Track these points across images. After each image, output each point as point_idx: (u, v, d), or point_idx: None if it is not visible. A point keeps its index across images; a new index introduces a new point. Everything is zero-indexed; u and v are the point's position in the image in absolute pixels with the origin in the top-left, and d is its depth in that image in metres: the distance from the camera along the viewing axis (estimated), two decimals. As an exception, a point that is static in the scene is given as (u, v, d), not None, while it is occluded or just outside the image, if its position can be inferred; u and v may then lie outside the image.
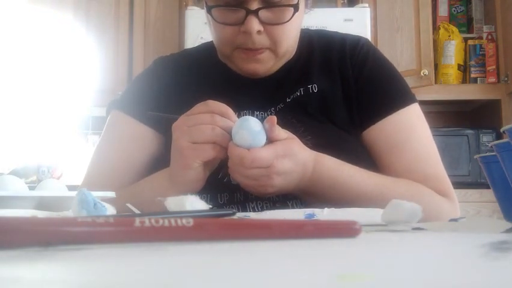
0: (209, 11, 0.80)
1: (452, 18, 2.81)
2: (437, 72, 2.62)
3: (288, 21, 0.79)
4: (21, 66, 2.61)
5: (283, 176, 0.66)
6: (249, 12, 0.76)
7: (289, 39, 0.82)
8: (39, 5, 2.64)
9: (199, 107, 0.68)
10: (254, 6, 0.76)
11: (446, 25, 2.66)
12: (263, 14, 0.77)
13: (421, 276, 0.21)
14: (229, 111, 0.67)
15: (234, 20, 0.78)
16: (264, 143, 0.64)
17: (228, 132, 0.66)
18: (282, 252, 0.29)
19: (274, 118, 0.65)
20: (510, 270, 0.23)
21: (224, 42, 0.82)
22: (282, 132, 0.66)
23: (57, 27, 2.64)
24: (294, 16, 0.79)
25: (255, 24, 0.77)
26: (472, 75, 2.63)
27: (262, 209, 0.76)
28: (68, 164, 2.67)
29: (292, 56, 0.89)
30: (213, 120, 0.66)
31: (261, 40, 0.79)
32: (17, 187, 0.58)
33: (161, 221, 0.30)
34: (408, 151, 0.83)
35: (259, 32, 0.78)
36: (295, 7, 0.78)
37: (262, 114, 0.84)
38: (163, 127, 0.85)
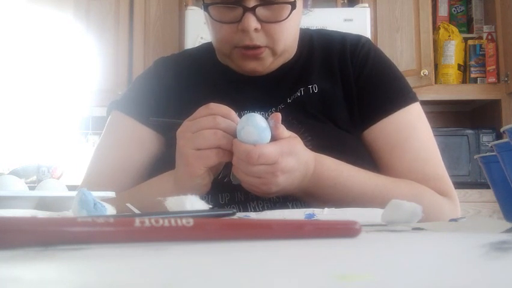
0: (206, 8, 0.80)
1: (452, 18, 2.81)
2: (437, 72, 2.62)
3: (285, 19, 0.79)
4: (22, 67, 2.61)
5: (287, 174, 0.65)
6: (246, 9, 0.76)
7: (287, 37, 0.82)
8: (39, 5, 2.65)
9: (201, 110, 0.67)
10: (251, 3, 0.77)
11: (446, 25, 2.66)
12: (260, 11, 0.77)
13: (421, 276, 0.21)
14: (232, 112, 0.67)
15: (231, 18, 0.79)
16: (269, 140, 0.64)
17: (231, 134, 0.65)
18: (282, 252, 0.29)
19: (279, 115, 0.65)
20: (510, 270, 0.23)
21: (222, 40, 0.82)
22: (285, 130, 0.66)
23: (57, 27, 2.64)
24: (292, 14, 0.79)
25: (252, 22, 0.77)
26: (472, 75, 2.63)
27: (262, 209, 0.76)
28: (68, 164, 2.67)
29: (292, 55, 0.89)
30: (215, 123, 0.65)
31: (259, 38, 0.79)
32: (17, 187, 0.58)
33: (161, 221, 0.30)
34: (409, 151, 0.83)
35: (256, 29, 0.78)
36: (293, 4, 0.78)
37: (263, 114, 0.84)
38: (164, 129, 0.85)
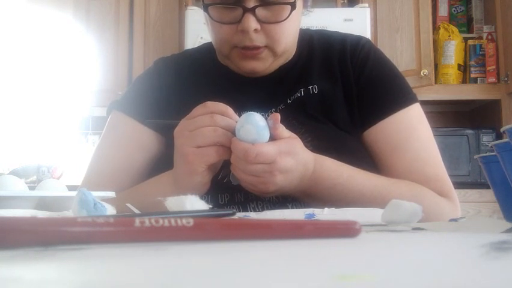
0: (206, 9, 0.80)
1: (452, 18, 2.81)
2: (437, 72, 2.62)
3: (285, 19, 0.78)
4: (21, 67, 2.61)
5: (285, 174, 0.65)
6: (246, 10, 0.76)
7: (287, 38, 0.82)
8: (39, 5, 2.64)
9: (198, 109, 0.68)
10: (251, 4, 0.76)
11: (446, 25, 2.66)
12: (260, 12, 0.77)
13: (421, 276, 0.21)
14: (229, 110, 0.67)
15: (231, 19, 0.79)
16: (267, 139, 0.64)
17: (230, 131, 0.65)
18: (282, 252, 0.29)
19: (278, 115, 0.65)
20: (510, 270, 0.23)
21: (221, 41, 0.82)
22: (285, 131, 0.66)
23: (57, 27, 2.64)
24: (292, 14, 0.79)
25: (252, 22, 0.76)
26: (472, 75, 2.63)
27: (262, 210, 0.76)
28: (68, 164, 2.67)
29: (292, 56, 0.89)
30: (213, 121, 0.65)
31: (259, 38, 0.79)
32: (17, 187, 0.58)
33: (161, 221, 0.30)
34: (409, 151, 0.83)
35: (256, 30, 0.78)
36: (293, 5, 0.78)
37: (263, 115, 0.84)
38: (163, 129, 0.85)
